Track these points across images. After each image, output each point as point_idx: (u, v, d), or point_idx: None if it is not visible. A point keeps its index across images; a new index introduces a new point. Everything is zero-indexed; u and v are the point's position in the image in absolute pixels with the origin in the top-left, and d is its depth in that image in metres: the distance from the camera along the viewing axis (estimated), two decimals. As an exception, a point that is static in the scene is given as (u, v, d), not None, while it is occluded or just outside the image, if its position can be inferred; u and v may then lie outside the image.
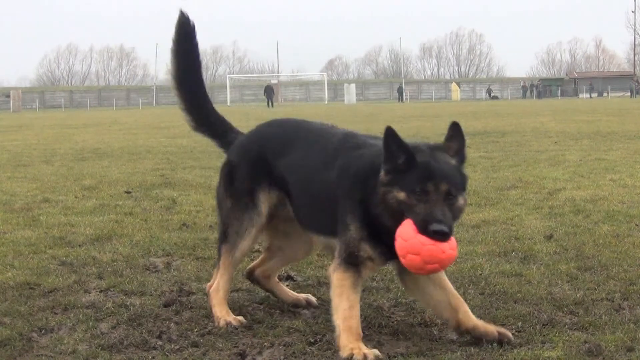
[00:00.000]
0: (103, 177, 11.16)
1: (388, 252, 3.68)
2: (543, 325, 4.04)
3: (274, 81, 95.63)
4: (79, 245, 6.22)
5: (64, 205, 8.37)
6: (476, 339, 3.78)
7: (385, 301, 4.59)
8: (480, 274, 5.09)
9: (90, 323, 4.17)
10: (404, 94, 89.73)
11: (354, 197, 3.75)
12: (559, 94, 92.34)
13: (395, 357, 3.65)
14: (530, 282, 4.92)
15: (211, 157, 13.15)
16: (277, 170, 4.17)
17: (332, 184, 3.87)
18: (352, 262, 3.73)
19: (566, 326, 4.02)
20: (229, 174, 4.32)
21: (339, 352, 3.61)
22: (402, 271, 3.90)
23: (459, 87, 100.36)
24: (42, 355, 3.73)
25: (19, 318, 4.26)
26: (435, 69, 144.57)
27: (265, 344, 3.85)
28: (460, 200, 3.59)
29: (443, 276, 3.91)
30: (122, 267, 5.48)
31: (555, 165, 11.64)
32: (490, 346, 3.71)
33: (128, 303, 4.56)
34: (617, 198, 8.18)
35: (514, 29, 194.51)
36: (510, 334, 3.79)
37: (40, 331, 4.07)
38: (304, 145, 4.13)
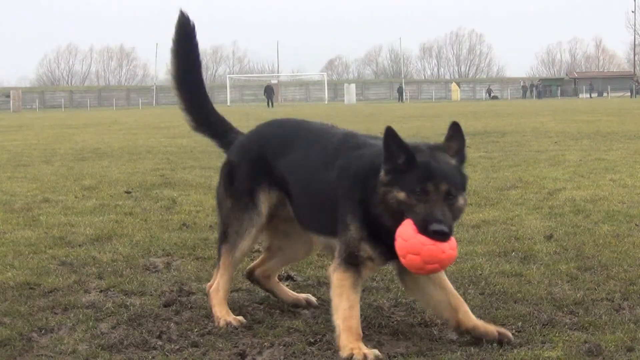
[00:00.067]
0: (103, 177, 11.16)
1: (388, 252, 3.68)
2: (543, 325, 4.04)
3: (274, 81, 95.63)
4: (79, 245, 6.22)
5: (64, 205, 8.37)
6: (476, 339, 3.78)
7: (385, 301, 4.59)
8: (480, 274, 5.09)
9: (90, 323, 4.17)
10: (404, 94, 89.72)
11: (354, 197, 3.75)
12: (559, 94, 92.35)
13: (395, 357, 3.65)
14: (530, 282, 4.92)
15: (211, 157, 13.15)
16: (277, 170, 4.17)
17: (332, 184, 3.88)
18: (352, 262, 3.73)
19: (566, 326, 4.02)
20: (229, 174, 4.32)
21: (339, 352, 3.61)
22: (402, 271, 3.90)
23: (459, 87, 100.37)
24: (42, 355, 3.73)
25: (19, 318, 4.26)
26: (435, 69, 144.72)
27: (265, 344, 3.85)
28: (460, 200, 3.59)
29: (443, 276, 3.91)
30: (122, 267, 5.48)
31: (555, 165, 11.64)
32: (490, 346, 3.71)
33: (128, 303, 4.56)
34: (617, 198, 8.18)
35: (514, 29, 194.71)
36: (510, 334, 3.79)
37: (40, 331, 4.07)
38: (304, 145, 4.13)
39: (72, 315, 4.34)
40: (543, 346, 3.73)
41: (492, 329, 3.79)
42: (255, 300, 4.67)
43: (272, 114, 43.72)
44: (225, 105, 79.83)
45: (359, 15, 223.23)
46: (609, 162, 11.85)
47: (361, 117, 35.80)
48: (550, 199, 8.28)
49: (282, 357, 3.67)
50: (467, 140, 3.84)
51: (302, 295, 4.59)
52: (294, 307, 4.49)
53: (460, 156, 3.69)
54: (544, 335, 3.88)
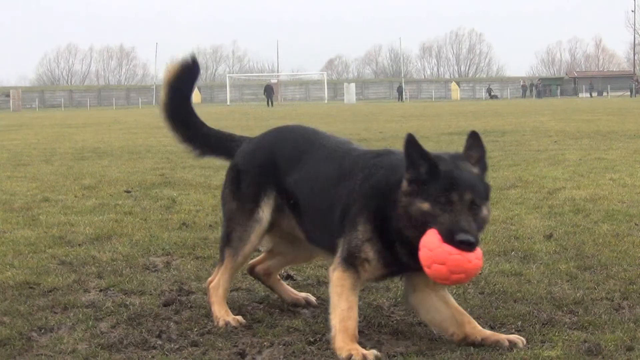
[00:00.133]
0: (103, 177, 11.16)
1: (393, 262, 3.67)
2: (543, 324, 4.04)
3: (273, 80, 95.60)
4: (79, 245, 6.22)
5: (63, 205, 8.37)
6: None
7: (385, 300, 4.59)
8: (480, 274, 5.08)
9: (90, 322, 4.17)
10: (403, 93, 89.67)
11: (370, 203, 3.70)
12: (558, 94, 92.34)
13: (394, 356, 3.64)
14: (530, 281, 4.92)
15: (211, 157, 13.13)
16: (285, 179, 4.14)
17: (345, 196, 3.81)
18: (352, 262, 3.72)
19: (566, 325, 4.02)
20: (235, 178, 4.31)
21: (335, 353, 3.59)
22: (407, 291, 3.90)
23: (459, 86, 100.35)
24: (41, 354, 3.73)
25: (18, 317, 4.26)
26: (435, 69, 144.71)
27: (265, 343, 3.84)
28: (484, 210, 3.55)
29: (446, 293, 3.88)
30: (121, 266, 5.48)
31: (555, 165, 11.64)
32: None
33: (128, 302, 4.56)
34: (616, 197, 8.18)
35: (514, 29, 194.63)
36: (520, 342, 3.70)
37: (40, 330, 4.07)
38: (318, 157, 4.08)
39: (71, 314, 4.34)
40: (543, 345, 3.73)
41: (502, 337, 3.73)
42: (255, 300, 4.67)
43: (271, 113, 43.74)
44: (225, 104, 79.86)
45: (359, 15, 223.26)
46: (608, 162, 11.85)
47: (361, 117, 35.79)
48: (550, 198, 8.28)
49: (281, 357, 3.67)
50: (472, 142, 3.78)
51: (302, 295, 4.59)
52: (294, 307, 4.49)
53: (482, 165, 3.64)
54: (544, 335, 3.88)
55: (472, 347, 3.69)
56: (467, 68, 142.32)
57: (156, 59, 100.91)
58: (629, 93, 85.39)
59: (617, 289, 4.68)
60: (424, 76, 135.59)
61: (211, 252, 5.79)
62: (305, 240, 4.24)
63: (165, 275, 5.26)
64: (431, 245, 3.43)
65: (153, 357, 3.69)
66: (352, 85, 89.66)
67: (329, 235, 3.90)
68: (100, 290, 4.89)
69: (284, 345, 3.80)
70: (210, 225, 6.91)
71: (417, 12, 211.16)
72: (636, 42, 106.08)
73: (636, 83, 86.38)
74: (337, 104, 73.23)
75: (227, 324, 4.08)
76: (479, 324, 3.84)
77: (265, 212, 4.19)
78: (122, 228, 6.87)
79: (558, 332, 3.90)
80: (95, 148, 17.37)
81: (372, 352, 3.55)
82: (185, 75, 4.54)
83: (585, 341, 3.73)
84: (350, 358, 3.51)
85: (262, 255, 4.63)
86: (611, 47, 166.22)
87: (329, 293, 3.78)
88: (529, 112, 36.92)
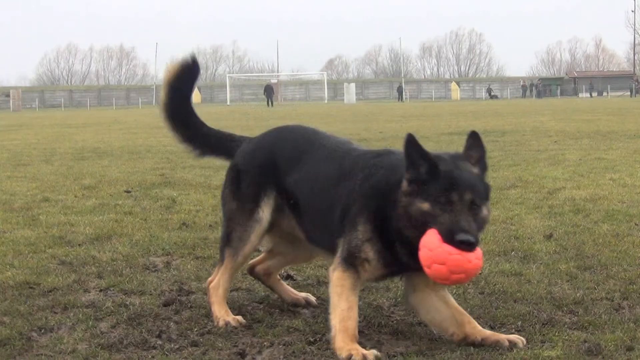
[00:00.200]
0: (103, 177, 11.16)
1: (393, 262, 3.67)
2: (543, 324, 4.04)
3: (273, 80, 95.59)
4: (79, 245, 6.22)
5: (63, 205, 8.37)
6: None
7: (385, 300, 4.59)
8: (480, 274, 5.08)
9: (90, 322, 4.17)
10: (403, 93, 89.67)
11: (370, 203, 3.70)
12: (558, 94, 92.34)
13: (394, 356, 3.64)
14: (530, 281, 4.92)
15: (211, 157, 13.13)
16: (285, 179, 4.14)
17: (345, 196, 3.81)
18: (352, 262, 3.72)
19: (566, 325, 4.02)
20: (235, 178, 4.31)
21: (335, 353, 3.59)
22: (407, 291, 3.91)
23: (459, 86, 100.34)
24: (41, 354, 3.73)
25: (18, 317, 4.26)
26: (435, 69, 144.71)
27: (265, 343, 3.84)
28: (484, 211, 3.55)
29: (446, 293, 3.88)
30: (121, 266, 5.48)
31: (555, 165, 11.64)
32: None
33: (128, 302, 4.56)
34: (616, 197, 8.18)
35: (514, 29, 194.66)
36: (520, 342, 3.70)
37: (40, 330, 4.07)
38: (318, 157, 4.08)
39: (71, 314, 4.34)
40: (543, 345, 3.73)
41: (502, 337, 3.72)
42: (255, 300, 4.67)
43: (271, 113, 43.73)
44: (225, 104, 79.85)
45: (359, 15, 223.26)
46: (608, 162, 11.85)
47: (361, 117, 35.79)
48: (550, 198, 8.28)
49: (281, 357, 3.67)
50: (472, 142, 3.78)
51: (302, 295, 4.59)
52: (294, 307, 4.49)
53: (482, 165, 3.64)
54: (544, 335, 3.88)
55: (472, 347, 3.68)
56: (467, 68, 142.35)
57: (156, 59, 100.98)
58: (629, 93, 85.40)
59: (617, 289, 4.68)
60: (424, 76, 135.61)
61: (211, 252, 5.79)
62: (305, 240, 4.24)
63: (165, 275, 5.26)
64: (431, 245, 3.43)
65: (153, 357, 3.69)
66: (352, 85, 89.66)
67: (329, 235, 3.90)
68: (100, 290, 4.89)
69: (284, 345, 3.80)
70: (210, 225, 6.91)
71: (417, 12, 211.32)
72: (636, 42, 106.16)
73: (636, 83, 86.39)
74: (337, 104, 73.23)
75: (227, 324, 4.08)
76: (479, 324, 3.84)
77: (265, 212, 4.19)
78: (122, 228, 6.87)
79: (558, 332, 3.90)
80: (95, 148, 17.37)
81: (372, 352, 3.55)
82: (185, 75, 4.54)
83: (585, 341, 3.73)
84: (350, 358, 3.51)
85: (262, 255, 4.63)
86: (611, 47, 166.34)
87: (329, 293, 3.77)
88: (529, 112, 36.92)
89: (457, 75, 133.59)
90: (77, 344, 3.85)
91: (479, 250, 3.47)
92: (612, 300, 4.47)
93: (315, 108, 57.72)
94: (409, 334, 3.97)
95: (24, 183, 10.56)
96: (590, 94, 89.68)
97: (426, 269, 3.49)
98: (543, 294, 4.59)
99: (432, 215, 3.46)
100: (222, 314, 4.15)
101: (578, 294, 4.57)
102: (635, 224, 6.70)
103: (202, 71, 4.75)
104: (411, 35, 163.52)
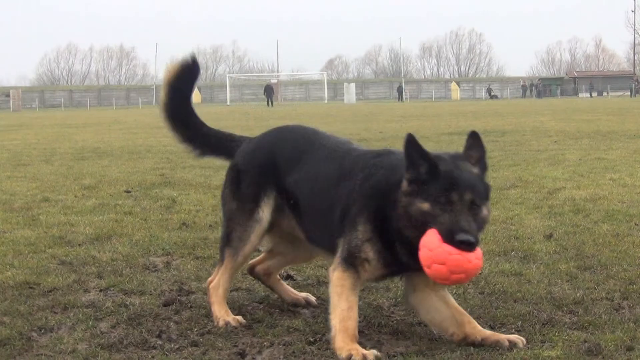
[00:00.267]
0: (103, 177, 11.16)
1: (393, 262, 3.67)
2: (543, 324, 4.04)
3: (273, 80, 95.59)
4: (79, 245, 6.22)
5: (63, 205, 8.37)
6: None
7: (385, 300, 4.59)
8: (480, 274, 5.08)
9: (90, 322, 4.17)
10: (403, 93, 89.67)
11: (370, 203, 3.70)
12: (558, 94, 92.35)
13: (394, 356, 3.64)
14: (530, 281, 4.92)
15: (211, 157, 13.13)
16: (285, 179, 4.14)
17: (345, 196, 3.81)
18: (352, 262, 3.72)
19: (566, 325, 4.02)
20: (235, 178, 4.30)
21: (335, 353, 3.59)
22: (407, 291, 3.91)
23: (459, 86, 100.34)
24: (41, 354, 3.73)
25: (18, 317, 4.26)
26: (435, 69, 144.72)
27: (265, 343, 3.85)
28: (484, 211, 3.55)
29: (446, 293, 3.88)
30: (121, 266, 5.48)
31: (555, 165, 11.64)
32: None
33: (128, 302, 4.56)
34: (616, 197, 8.18)
35: (514, 29, 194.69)
36: (520, 342, 3.70)
37: (40, 330, 4.07)
38: (318, 157, 4.08)
39: (71, 314, 4.34)
40: (543, 345, 3.73)
41: (502, 337, 3.72)
42: (255, 300, 4.67)
43: (271, 113, 43.73)
44: (225, 104, 79.86)
45: (359, 15, 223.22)
46: (608, 162, 11.85)
47: (361, 117, 35.79)
48: (550, 198, 8.28)
49: (281, 357, 3.67)
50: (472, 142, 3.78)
51: (302, 295, 4.59)
52: (294, 307, 4.49)
53: (482, 165, 3.64)
54: (544, 335, 3.88)
55: (472, 347, 3.68)
56: (467, 68, 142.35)
57: (156, 59, 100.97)
58: (629, 93, 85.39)
59: (617, 289, 4.68)
60: (424, 76, 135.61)
61: (211, 252, 5.79)
62: (305, 240, 4.24)
63: (165, 275, 5.26)
64: (431, 245, 3.43)
65: (153, 357, 3.69)
66: (352, 85, 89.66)
67: (329, 235, 3.91)
68: (100, 290, 4.89)
69: (284, 345, 3.80)
70: (210, 225, 6.91)
71: (417, 12, 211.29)
72: (636, 42, 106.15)
73: (636, 83, 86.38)
74: (337, 104, 73.23)
75: (227, 324, 4.08)
76: (479, 324, 3.84)
77: (265, 212, 4.19)
78: (122, 228, 6.88)
79: (558, 332, 3.90)
80: (95, 148, 17.37)
81: (372, 352, 3.55)
82: (185, 75, 4.54)
83: (585, 341, 3.73)
84: (350, 358, 3.51)
85: (262, 255, 4.63)
86: (611, 47, 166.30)
87: (329, 293, 3.77)
88: (529, 112, 36.92)
89: (457, 75, 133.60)
90: (77, 344, 3.85)
91: (479, 250, 3.47)
92: (612, 300, 4.47)
93: (315, 108, 57.72)
94: (409, 334, 3.97)
95: (24, 183, 10.56)
96: (590, 94, 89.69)
97: (426, 269, 3.48)
98: (543, 294, 4.59)
99: (432, 215, 3.47)
100: (222, 314, 4.15)
101: (578, 294, 4.57)
102: (635, 224, 6.70)
103: (202, 71, 4.75)
104: (411, 35, 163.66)
